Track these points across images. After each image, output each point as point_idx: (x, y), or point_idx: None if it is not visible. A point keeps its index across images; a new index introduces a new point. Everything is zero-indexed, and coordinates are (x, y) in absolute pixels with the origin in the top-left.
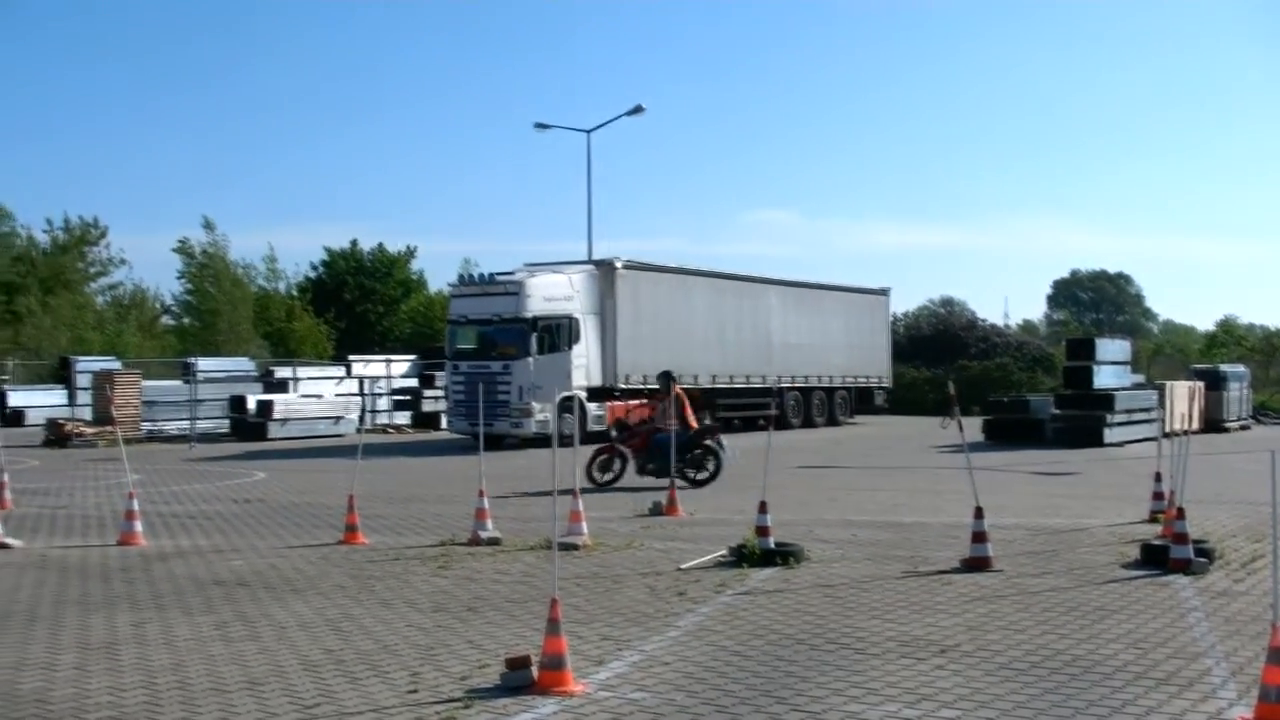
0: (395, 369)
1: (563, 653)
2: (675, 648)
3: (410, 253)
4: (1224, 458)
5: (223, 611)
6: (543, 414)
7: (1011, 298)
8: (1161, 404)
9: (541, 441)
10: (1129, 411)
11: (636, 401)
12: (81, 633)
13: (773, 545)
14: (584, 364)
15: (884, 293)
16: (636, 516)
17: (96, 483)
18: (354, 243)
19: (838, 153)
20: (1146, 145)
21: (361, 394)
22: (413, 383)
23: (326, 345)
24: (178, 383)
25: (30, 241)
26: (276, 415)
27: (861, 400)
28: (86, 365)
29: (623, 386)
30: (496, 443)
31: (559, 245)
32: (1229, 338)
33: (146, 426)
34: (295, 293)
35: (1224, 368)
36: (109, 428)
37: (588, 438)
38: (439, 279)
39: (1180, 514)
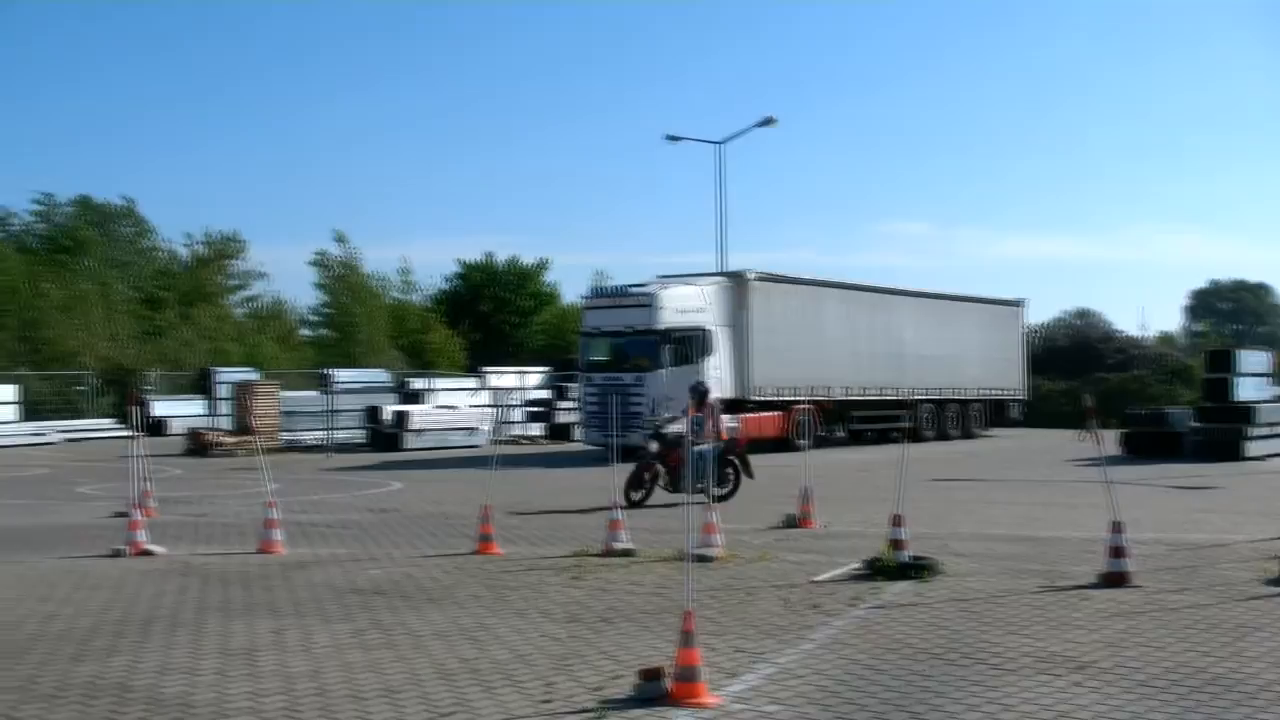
0: (529, 380)
1: (696, 664)
2: (809, 661)
3: (544, 265)
4: None
5: (360, 619)
6: (676, 426)
7: (1148, 309)
8: None
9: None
10: (1270, 425)
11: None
12: (222, 639)
13: (907, 558)
14: (717, 376)
15: (1019, 304)
16: (770, 529)
17: (236, 491)
18: (488, 255)
19: (972, 163)
20: None
21: (495, 405)
22: (546, 394)
23: (461, 357)
24: (315, 393)
25: (172, 256)
26: (412, 426)
27: (996, 413)
28: (226, 376)
29: (756, 398)
30: (630, 454)
31: (691, 257)
32: None
33: (285, 436)
34: (430, 305)
35: None
36: (248, 437)
37: None
38: (572, 291)
39: None
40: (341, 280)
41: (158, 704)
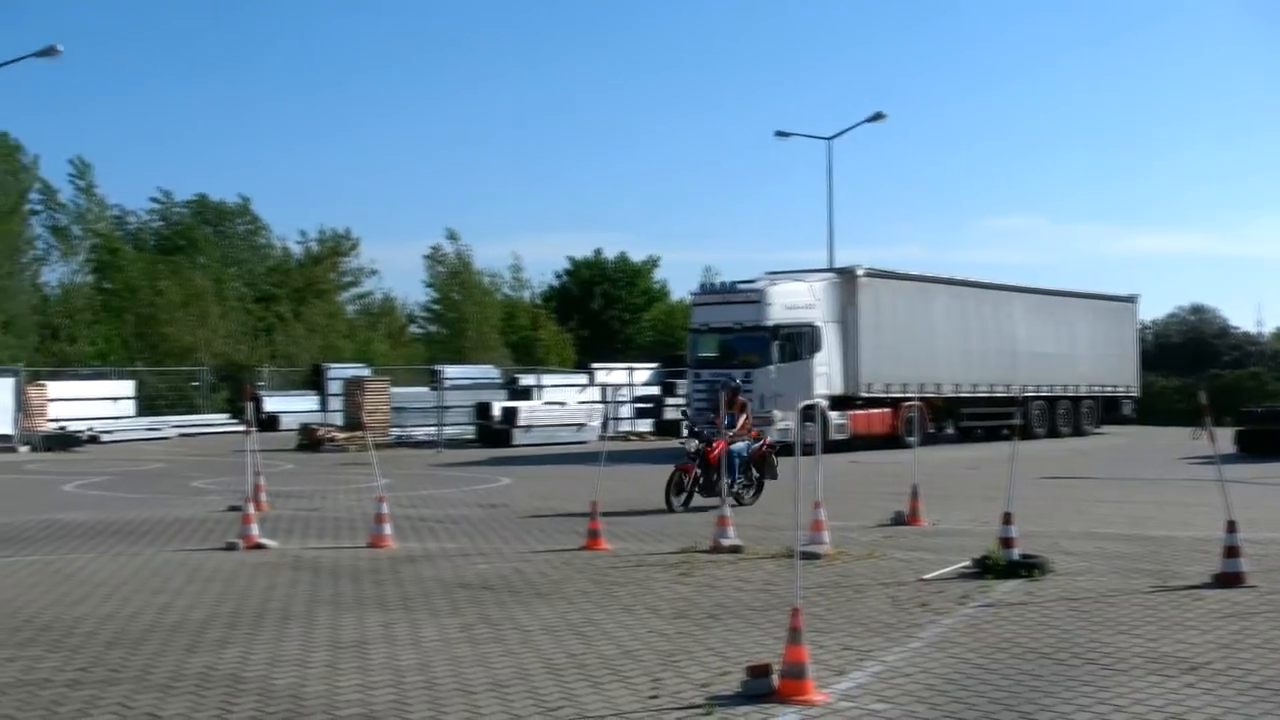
0: (637, 377)
1: (804, 661)
2: (917, 659)
3: (653, 262)
4: None
5: (468, 614)
6: (784, 422)
7: (1265, 304)
8: None
9: (782, 450)
10: None
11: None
12: (333, 632)
13: (1017, 557)
14: (825, 372)
15: (1132, 300)
16: (878, 526)
17: (347, 486)
18: (598, 252)
19: (1084, 157)
20: None
21: (604, 401)
22: (655, 390)
23: (570, 353)
24: (425, 389)
25: (285, 253)
26: (521, 422)
27: (1108, 410)
28: (338, 372)
29: (865, 395)
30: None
31: (799, 253)
32: None
33: (395, 432)
34: (539, 301)
35: None
36: (359, 433)
37: (830, 446)
38: (681, 288)
39: None
40: (452, 277)
41: (269, 695)
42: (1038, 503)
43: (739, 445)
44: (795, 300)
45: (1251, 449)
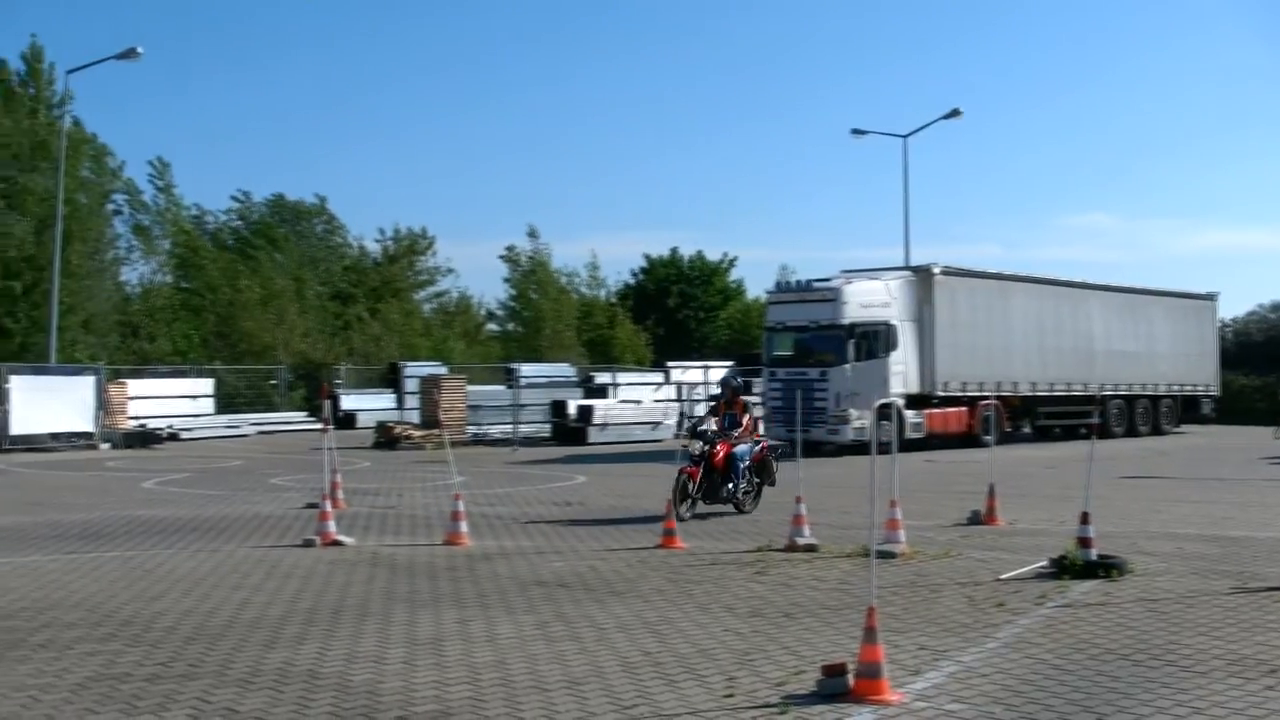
0: (713, 375)
1: (879, 661)
2: (993, 659)
3: (729, 261)
4: None
5: (544, 611)
6: (860, 421)
7: None
8: None
9: (858, 448)
10: None
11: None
12: (409, 628)
13: (1094, 557)
14: (901, 371)
15: (1212, 298)
16: (954, 525)
17: (423, 484)
18: (674, 250)
19: (1161, 152)
20: None
21: (679, 400)
22: None
23: (646, 352)
24: (501, 388)
25: (362, 252)
26: (596, 420)
27: (1187, 409)
28: (414, 370)
29: (941, 394)
30: (813, 449)
31: (874, 251)
32: None
33: (471, 430)
34: (615, 299)
35: None
36: (436, 431)
37: (906, 445)
38: (756, 286)
39: None
40: (528, 275)
41: (346, 691)
42: (1116, 502)
43: (742, 448)
44: (871, 299)
45: None
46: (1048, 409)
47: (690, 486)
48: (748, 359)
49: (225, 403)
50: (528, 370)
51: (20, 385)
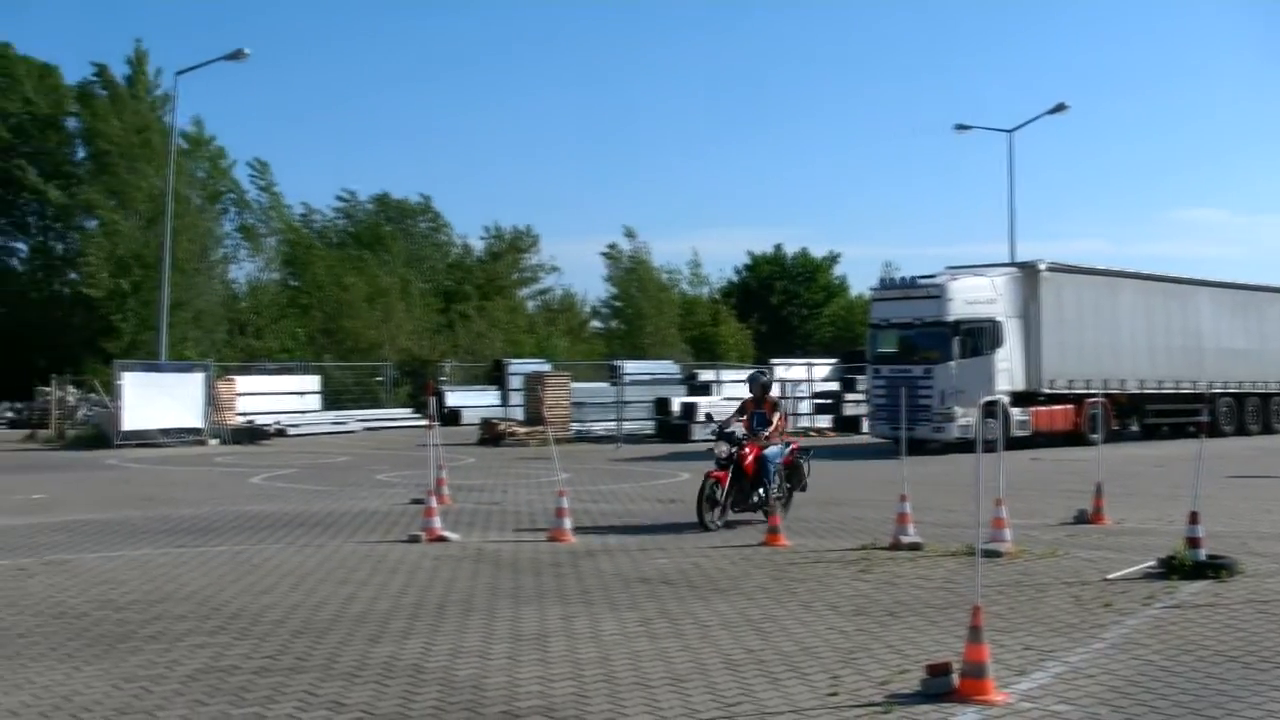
0: (816, 372)
1: (984, 661)
2: (1100, 660)
3: (833, 258)
4: None
5: (647, 608)
6: (965, 418)
7: None
8: None
9: (964, 446)
10: None
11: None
12: (513, 624)
13: (1204, 557)
14: (1007, 368)
15: None
16: (1060, 524)
17: (528, 480)
18: (777, 247)
19: (1270, 147)
20: None
21: (783, 397)
22: (834, 386)
23: (749, 349)
24: (604, 385)
25: (466, 250)
26: (700, 417)
27: None
28: (518, 368)
29: (1047, 391)
30: (918, 447)
31: (979, 248)
32: None
33: (575, 427)
34: (718, 296)
35: None
36: (540, 428)
37: (1011, 443)
38: (860, 283)
39: None
40: (630, 273)
41: (450, 686)
42: (1225, 502)
43: (773, 450)
44: (976, 295)
45: None
46: (1155, 407)
47: (718, 493)
48: (852, 356)
49: (332, 399)
50: (631, 367)
51: (132, 382)
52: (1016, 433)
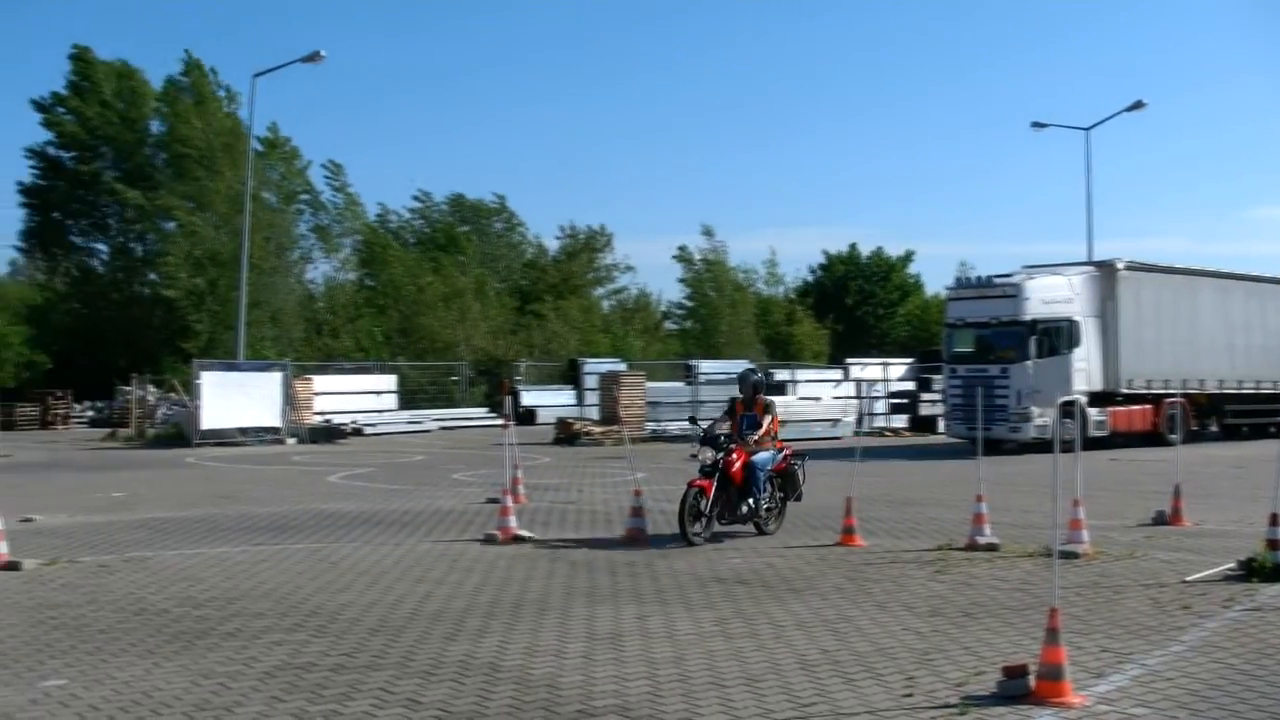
0: (892, 372)
1: (1061, 663)
2: (1178, 663)
3: (908, 257)
4: None
5: (722, 608)
6: (1042, 418)
7: None
8: None
9: (1040, 446)
10: None
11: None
12: (589, 623)
13: None
14: (1084, 368)
15: None
16: (1138, 525)
17: (603, 479)
18: (852, 246)
19: None
20: None
21: (859, 397)
22: (910, 386)
23: (824, 348)
24: (680, 384)
25: (540, 250)
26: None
27: None
28: (594, 367)
29: (1125, 391)
30: (994, 447)
31: (1055, 246)
32: None
33: (650, 426)
34: (794, 296)
35: None
36: (615, 427)
37: (1089, 444)
38: (936, 282)
39: None
40: (705, 273)
41: (526, 684)
42: None
43: (763, 456)
44: (1053, 294)
45: None
46: (1235, 407)
47: (703, 503)
48: (928, 355)
49: (408, 398)
50: (706, 367)
51: (211, 381)
52: (1094, 433)
